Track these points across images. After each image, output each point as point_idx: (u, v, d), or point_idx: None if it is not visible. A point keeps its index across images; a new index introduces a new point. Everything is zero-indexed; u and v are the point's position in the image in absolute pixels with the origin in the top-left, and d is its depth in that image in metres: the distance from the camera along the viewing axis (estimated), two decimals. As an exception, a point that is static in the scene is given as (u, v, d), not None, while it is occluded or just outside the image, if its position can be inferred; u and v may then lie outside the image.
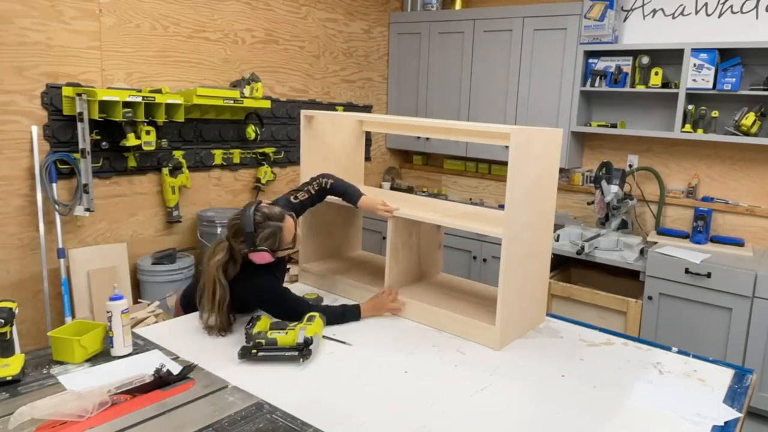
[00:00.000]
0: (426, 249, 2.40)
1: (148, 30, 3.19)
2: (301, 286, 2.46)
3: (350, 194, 2.24)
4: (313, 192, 2.21)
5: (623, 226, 3.76)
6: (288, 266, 2.88)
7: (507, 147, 1.83)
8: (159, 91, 3.07)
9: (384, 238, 2.25)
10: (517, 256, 1.93)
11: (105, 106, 2.84)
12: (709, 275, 3.14)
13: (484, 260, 3.95)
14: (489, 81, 4.24)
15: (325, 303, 2.26)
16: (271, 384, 1.60)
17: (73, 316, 2.95)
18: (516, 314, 1.99)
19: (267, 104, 3.59)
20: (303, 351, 1.74)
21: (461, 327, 2.00)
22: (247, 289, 1.99)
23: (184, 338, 1.89)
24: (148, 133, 3.02)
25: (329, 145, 2.52)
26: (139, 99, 2.90)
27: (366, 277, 2.39)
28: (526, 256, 1.99)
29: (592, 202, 3.80)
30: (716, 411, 1.56)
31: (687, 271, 3.19)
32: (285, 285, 2.19)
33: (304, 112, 2.40)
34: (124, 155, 3.16)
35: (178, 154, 3.41)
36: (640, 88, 3.63)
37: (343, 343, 1.91)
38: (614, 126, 3.84)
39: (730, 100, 3.45)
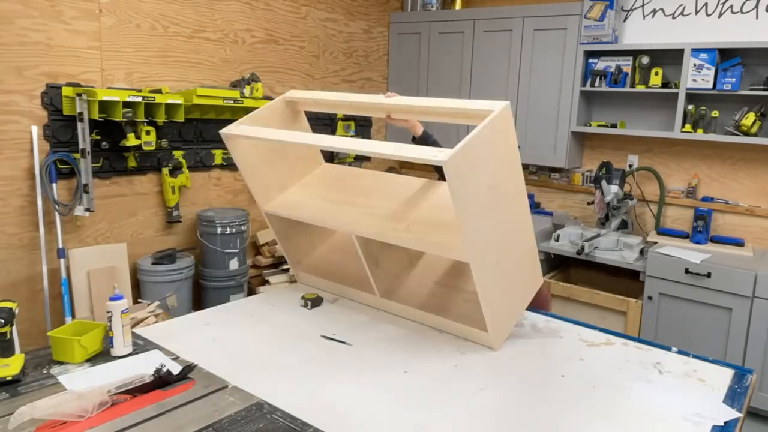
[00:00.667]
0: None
1: (148, 30, 3.19)
2: (300, 287, 2.46)
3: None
4: None
5: (623, 226, 3.76)
6: (287, 266, 2.88)
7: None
8: (159, 91, 3.07)
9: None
10: (491, 267, 1.80)
11: (105, 106, 2.84)
12: (709, 275, 3.14)
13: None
14: (489, 81, 4.25)
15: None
16: (271, 384, 1.60)
17: (73, 316, 2.95)
18: (506, 310, 1.94)
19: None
20: None
21: (458, 329, 1.99)
22: None
23: (184, 338, 1.89)
24: (148, 133, 3.03)
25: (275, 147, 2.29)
26: (139, 99, 2.90)
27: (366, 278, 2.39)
28: (502, 257, 1.86)
29: (592, 202, 3.80)
30: (716, 411, 1.56)
31: (687, 271, 3.19)
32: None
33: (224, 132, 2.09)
34: (124, 155, 3.16)
35: (178, 154, 3.41)
36: (640, 88, 3.63)
37: (343, 343, 1.91)
38: (614, 126, 3.85)
39: (730, 100, 3.45)
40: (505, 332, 1.97)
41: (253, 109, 3.56)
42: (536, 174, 4.42)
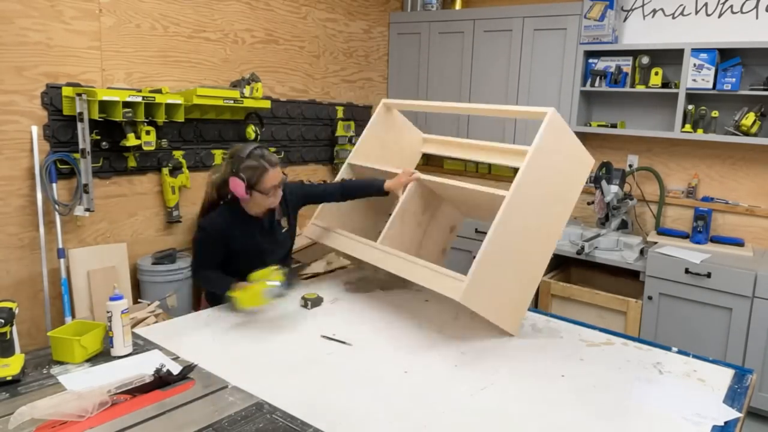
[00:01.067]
0: (435, 230, 2.43)
1: (148, 30, 3.19)
2: (300, 287, 2.46)
3: (373, 185, 2.42)
4: (328, 183, 2.35)
5: (623, 226, 3.76)
6: (292, 268, 2.89)
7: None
8: (159, 91, 3.07)
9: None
10: (515, 226, 1.92)
11: (105, 106, 2.84)
12: (709, 275, 3.14)
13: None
14: (489, 81, 4.24)
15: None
16: (271, 384, 1.60)
17: (73, 316, 2.95)
18: (493, 285, 1.91)
19: (267, 104, 3.59)
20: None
21: (431, 275, 1.97)
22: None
23: (184, 338, 1.89)
24: (148, 133, 3.03)
25: (386, 145, 2.71)
26: (139, 99, 2.90)
27: (367, 232, 2.44)
28: (523, 232, 1.96)
29: (592, 202, 3.80)
30: (716, 411, 1.57)
31: (687, 271, 3.19)
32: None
33: (385, 102, 2.74)
34: (124, 155, 3.16)
35: (178, 154, 3.41)
36: (640, 88, 3.63)
37: (343, 343, 1.91)
38: (614, 126, 3.84)
39: (730, 100, 3.45)
40: (476, 298, 1.89)
41: (253, 109, 3.60)
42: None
